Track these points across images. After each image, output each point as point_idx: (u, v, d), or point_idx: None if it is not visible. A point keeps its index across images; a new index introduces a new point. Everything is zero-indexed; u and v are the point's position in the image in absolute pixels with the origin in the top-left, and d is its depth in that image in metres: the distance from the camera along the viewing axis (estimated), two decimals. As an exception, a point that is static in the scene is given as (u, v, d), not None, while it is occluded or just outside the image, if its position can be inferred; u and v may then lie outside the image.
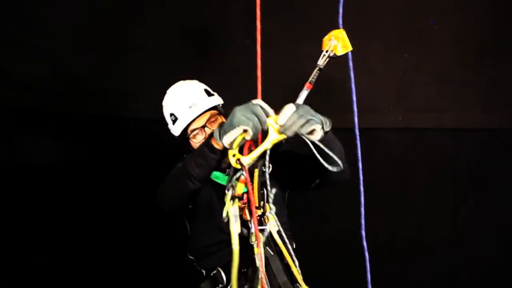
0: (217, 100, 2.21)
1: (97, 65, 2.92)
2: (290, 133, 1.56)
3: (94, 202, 2.92)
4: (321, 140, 1.65)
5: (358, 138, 2.06)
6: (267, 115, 1.56)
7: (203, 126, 2.13)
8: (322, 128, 1.68)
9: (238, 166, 1.57)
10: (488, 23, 3.12)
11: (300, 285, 2.07)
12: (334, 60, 2.07)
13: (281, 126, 1.56)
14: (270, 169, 2.06)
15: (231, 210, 1.58)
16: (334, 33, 1.94)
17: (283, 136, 1.58)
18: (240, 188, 1.63)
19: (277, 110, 1.72)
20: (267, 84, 1.75)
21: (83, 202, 2.94)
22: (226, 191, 1.60)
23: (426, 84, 3.18)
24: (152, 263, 3.01)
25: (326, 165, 1.61)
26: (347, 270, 3.09)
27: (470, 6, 3.10)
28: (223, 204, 2.06)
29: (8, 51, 2.81)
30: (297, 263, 2.14)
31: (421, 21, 3.15)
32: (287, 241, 2.14)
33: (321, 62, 1.96)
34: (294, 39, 3.03)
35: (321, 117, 1.70)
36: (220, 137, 1.62)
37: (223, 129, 1.61)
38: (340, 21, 1.97)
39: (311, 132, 1.61)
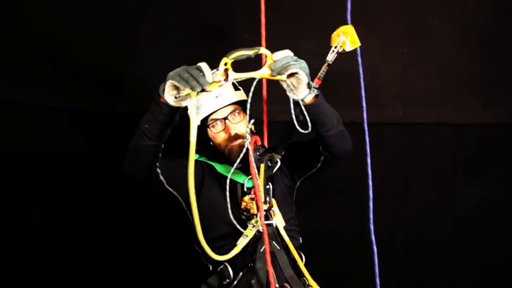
0: (242, 95, 2.21)
1: (103, 64, 2.91)
2: (276, 69, 1.68)
3: (108, 196, 2.92)
4: (312, 105, 1.81)
5: (367, 133, 2.08)
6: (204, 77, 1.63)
7: (225, 118, 2.14)
8: (309, 87, 1.78)
9: (223, 75, 1.66)
10: (489, 17, 3.14)
11: (307, 279, 2.09)
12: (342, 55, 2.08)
13: (273, 61, 1.69)
14: (278, 164, 2.08)
15: (193, 100, 1.60)
16: (342, 29, 1.95)
17: (270, 74, 1.70)
18: (212, 86, 1.67)
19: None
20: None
21: (97, 195, 2.95)
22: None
23: (426, 79, 3.19)
24: (160, 258, 3.01)
25: (297, 125, 1.76)
26: (351, 263, 3.14)
27: (471, 0, 3.13)
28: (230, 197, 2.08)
29: (11, 47, 2.80)
30: (303, 257, 2.16)
31: (421, 16, 3.17)
32: (293, 236, 2.18)
33: (330, 58, 1.97)
34: (296, 34, 3.04)
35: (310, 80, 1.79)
36: (163, 93, 1.72)
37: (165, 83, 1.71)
38: (349, 17, 1.99)
39: (296, 86, 1.75)
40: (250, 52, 1.66)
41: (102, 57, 2.91)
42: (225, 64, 1.65)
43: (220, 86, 1.69)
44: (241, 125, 2.17)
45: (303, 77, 1.72)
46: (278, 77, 1.70)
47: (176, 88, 1.68)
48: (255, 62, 1.82)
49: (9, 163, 2.80)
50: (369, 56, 3.03)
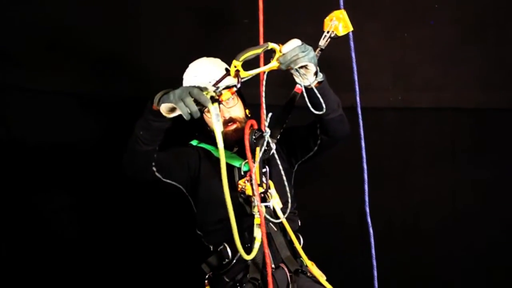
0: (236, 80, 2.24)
1: (103, 47, 2.92)
2: (285, 63, 1.69)
3: (106, 182, 2.94)
4: (316, 89, 1.82)
5: (360, 117, 2.10)
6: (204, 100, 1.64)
7: (219, 103, 2.16)
8: (316, 74, 1.81)
9: (235, 77, 1.68)
10: (489, 1, 3.11)
11: (303, 260, 2.12)
12: (335, 40, 2.09)
13: (282, 54, 1.68)
14: (274, 147, 2.11)
15: (212, 109, 1.62)
16: (335, 13, 1.98)
17: (278, 65, 1.71)
18: (226, 96, 1.71)
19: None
20: (268, 62, 1.77)
21: (94, 182, 2.97)
22: (210, 92, 1.67)
23: (426, 63, 3.18)
24: (162, 239, 3.04)
25: (311, 108, 1.81)
26: (348, 247, 3.16)
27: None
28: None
29: (17, 33, 2.81)
30: (301, 239, 2.20)
31: (422, 0, 3.15)
32: (291, 218, 2.21)
33: (323, 42, 2.00)
34: (293, 18, 3.03)
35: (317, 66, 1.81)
36: (158, 103, 1.74)
37: (162, 98, 1.73)
38: (341, 2, 2.00)
39: (304, 73, 1.77)
40: (259, 51, 1.67)
41: (104, 41, 2.92)
42: (235, 66, 1.66)
43: (232, 93, 1.73)
44: (236, 109, 2.20)
45: (312, 67, 1.76)
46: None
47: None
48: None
49: (16, 150, 2.84)
50: (370, 41, 3.09)
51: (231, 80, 1.74)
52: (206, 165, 2.24)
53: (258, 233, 1.98)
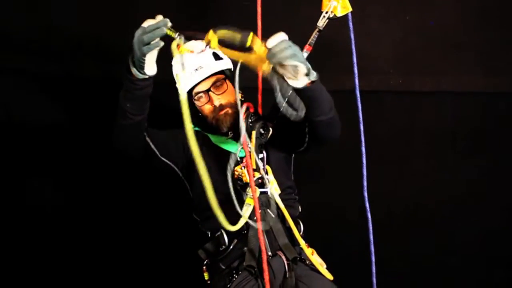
0: (224, 64, 2.19)
1: (95, 29, 2.87)
2: (274, 59, 1.50)
3: (102, 165, 2.93)
4: (306, 89, 1.67)
5: (359, 100, 2.07)
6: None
7: (208, 90, 2.13)
8: (308, 74, 1.64)
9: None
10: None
11: (302, 247, 2.10)
12: (335, 21, 2.06)
13: (268, 50, 1.50)
14: (270, 132, 2.08)
15: (177, 57, 1.59)
16: (333, -7, 1.93)
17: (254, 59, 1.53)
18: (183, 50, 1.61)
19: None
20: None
21: (89, 166, 2.96)
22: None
23: (427, 47, 3.13)
24: (159, 224, 3.05)
25: (289, 114, 1.67)
26: (348, 234, 3.14)
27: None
28: (223, 168, 2.09)
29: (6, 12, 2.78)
30: (301, 226, 2.18)
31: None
32: (291, 205, 2.19)
33: (321, 23, 1.96)
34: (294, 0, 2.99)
35: (308, 65, 1.64)
36: (138, 70, 1.69)
37: (130, 58, 1.68)
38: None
39: (295, 74, 1.59)
40: (236, 36, 1.53)
41: (100, 24, 2.88)
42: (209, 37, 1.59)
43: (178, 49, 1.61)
44: (226, 95, 2.16)
45: (302, 69, 1.58)
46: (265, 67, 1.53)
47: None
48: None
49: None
50: (371, 24, 3.05)
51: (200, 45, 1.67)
52: (204, 150, 2.20)
53: (246, 211, 1.96)
